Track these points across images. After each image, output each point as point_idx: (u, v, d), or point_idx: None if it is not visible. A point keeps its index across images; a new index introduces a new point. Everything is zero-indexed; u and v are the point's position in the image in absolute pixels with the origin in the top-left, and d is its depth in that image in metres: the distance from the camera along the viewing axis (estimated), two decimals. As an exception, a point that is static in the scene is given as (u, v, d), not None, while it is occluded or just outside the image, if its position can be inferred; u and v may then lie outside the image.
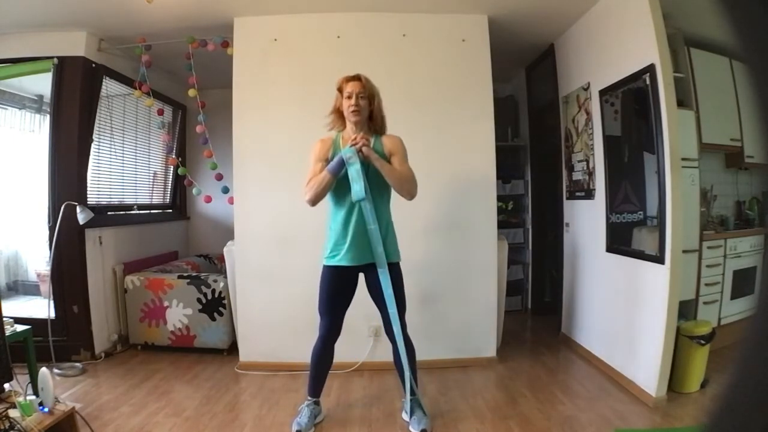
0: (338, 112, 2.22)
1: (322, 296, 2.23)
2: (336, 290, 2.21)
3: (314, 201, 2.14)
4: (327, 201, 2.21)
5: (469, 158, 3.11)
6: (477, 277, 3.11)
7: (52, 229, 3.09)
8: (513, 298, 4.36)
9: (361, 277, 2.25)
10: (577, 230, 3.46)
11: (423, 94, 3.09)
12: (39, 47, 3.13)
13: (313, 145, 2.24)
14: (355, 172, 2.05)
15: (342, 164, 2.06)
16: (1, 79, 3.30)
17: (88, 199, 3.30)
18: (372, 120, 2.20)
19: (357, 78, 2.14)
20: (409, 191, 2.18)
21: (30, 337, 2.47)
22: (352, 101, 2.11)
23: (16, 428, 1.80)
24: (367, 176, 2.08)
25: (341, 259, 2.15)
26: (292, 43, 3.10)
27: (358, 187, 2.04)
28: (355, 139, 2.08)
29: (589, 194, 3.21)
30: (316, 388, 2.32)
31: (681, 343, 2.51)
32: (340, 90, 2.18)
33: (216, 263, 4.36)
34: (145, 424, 2.31)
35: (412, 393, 2.25)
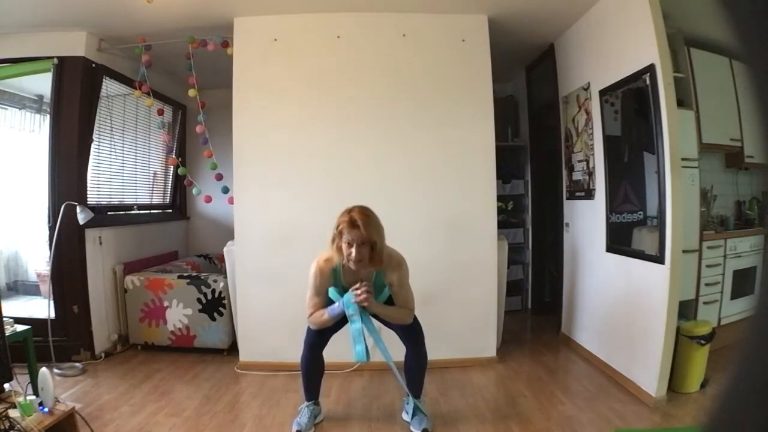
0: (338, 248, 2.07)
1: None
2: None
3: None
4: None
5: (469, 158, 3.11)
6: (477, 277, 3.11)
7: (52, 229, 3.09)
8: (513, 298, 4.36)
9: None
10: (577, 230, 3.46)
11: (423, 94, 3.09)
12: (39, 47, 3.13)
13: (312, 268, 2.16)
14: (356, 331, 2.09)
15: (343, 312, 2.11)
16: (1, 79, 3.31)
17: (88, 199, 3.30)
18: (372, 260, 2.08)
19: (356, 226, 2.01)
20: (404, 324, 2.23)
21: (30, 337, 2.47)
22: (353, 251, 2.01)
23: (16, 428, 1.80)
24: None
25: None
26: (292, 43, 3.10)
27: (360, 348, 2.10)
28: (357, 288, 2.06)
29: (589, 194, 3.21)
30: (312, 392, 2.33)
31: (681, 343, 2.51)
32: (340, 232, 2.05)
33: (216, 263, 4.36)
34: (145, 424, 2.31)
35: (416, 397, 2.28)
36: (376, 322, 2.22)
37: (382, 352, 2.19)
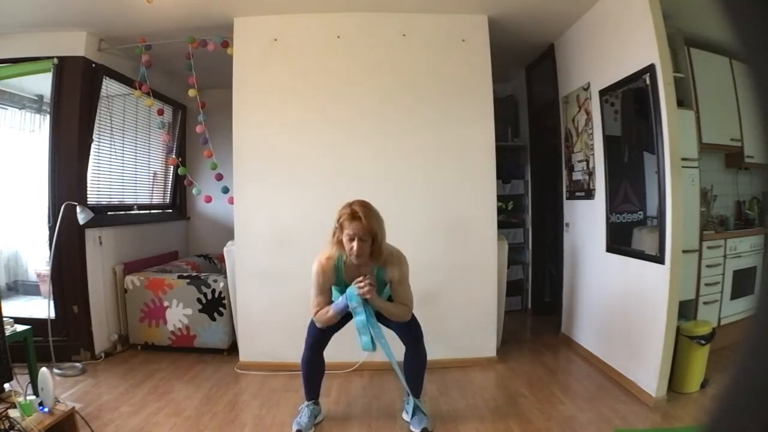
0: (340, 242, 2.10)
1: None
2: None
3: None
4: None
5: (469, 158, 3.11)
6: (477, 277, 3.11)
7: (52, 229, 3.09)
8: (513, 298, 4.36)
9: None
10: (577, 230, 3.46)
11: (423, 94, 3.09)
12: (39, 47, 3.13)
13: (314, 267, 2.17)
14: (360, 324, 2.12)
15: (347, 306, 2.12)
16: (1, 79, 3.31)
17: (88, 199, 3.30)
18: (373, 254, 2.11)
19: (358, 218, 2.02)
20: (403, 321, 2.24)
21: (30, 337, 2.47)
22: (355, 244, 2.03)
23: (16, 428, 1.80)
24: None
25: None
26: (292, 43, 3.10)
27: (366, 339, 2.12)
28: (360, 281, 2.07)
29: (589, 194, 3.21)
30: (313, 392, 2.33)
31: (681, 343, 2.51)
32: (340, 225, 2.07)
33: (216, 263, 4.36)
34: (145, 424, 2.31)
35: (416, 396, 2.28)
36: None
37: (384, 349, 2.19)
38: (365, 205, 2.08)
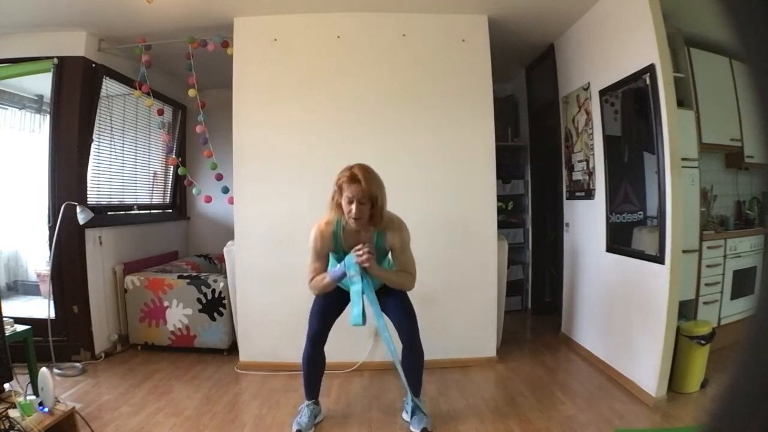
0: (338, 205, 2.06)
1: (316, 301, 2.28)
2: (330, 300, 2.26)
3: (319, 294, 2.23)
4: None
5: (469, 158, 3.11)
6: (477, 277, 3.11)
7: (52, 229, 3.09)
8: (513, 298, 4.36)
9: None
10: (577, 230, 3.46)
11: (423, 94, 3.09)
12: (39, 47, 3.13)
13: (312, 233, 2.13)
14: (355, 294, 2.07)
15: (344, 273, 2.09)
16: (1, 79, 3.30)
17: (88, 199, 3.30)
18: (373, 218, 2.07)
19: (357, 180, 1.99)
20: (407, 290, 2.22)
21: (30, 337, 2.47)
22: (353, 207, 1.98)
23: (16, 428, 1.80)
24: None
25: (343, 285, 2.22)
26: (292, 43, 3.10)
27: (356, 311, 2.07)
28: (359, 249, 2.04)
29: (589, 194, 3.21)
30: (313, 390, 2.32)
31: (681, 343, 2.51)
32: (339, 187, 2.04)
33: (216, 263, 4.36)
34: (145, 424, 2.31)
35: (416, 395, 2.27)
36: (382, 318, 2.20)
37: (385, 342, 2.16)
38: (365, 168, 2.05)
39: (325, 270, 2.15)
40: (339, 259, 2.14)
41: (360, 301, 2.06)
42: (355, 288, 2.07)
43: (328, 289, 2.15)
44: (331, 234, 2.11)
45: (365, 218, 2.03)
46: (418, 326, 2.27)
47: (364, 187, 1.97)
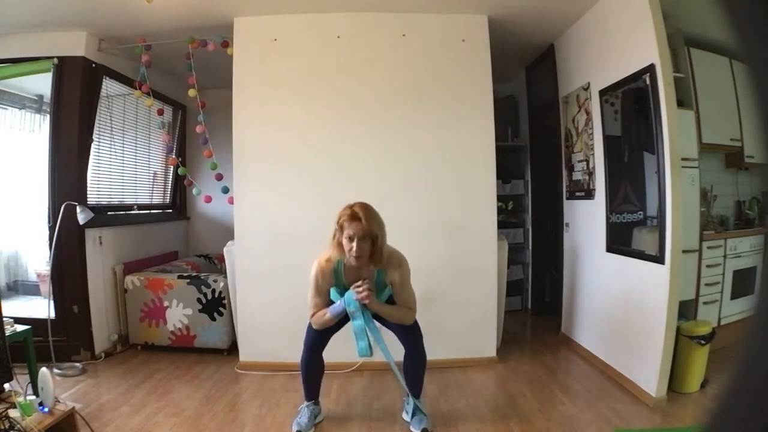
0: (339, 245, 2.09)
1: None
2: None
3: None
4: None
5: (469, 158, 3.11)
6: (477, 277, 3.11)
7: (52, 229, 3.09)
8: (513, 298, 4.36)
9: None
10: (577, 230, 3.46)
11: (423, 94, 3.09)
12: (39, 47, 3.13)
13: (312, 269, 2.16)
14: (358, 328, 2.10)
15: (345, 310, 2.11)
16: (1, 79, 3.30)
17: (88, 199, 3.30)
18: (373, 256, 2.09)
19: (358, 219, 2.01)
20: (406, 324, 2.23)
21: (30, 337, 2.47)
22: (354, 245, 2.01)
23: (16, 428, 1.80)
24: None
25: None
26: (292, 43, 3.10)
27: (363, 344, 2.10)
28: (359, 286, 2.06)
29: (589, 194, 3.21)
30: (312, 392, 2.33)
31: (681, 343, 2.51)
32: (340, 226, 2.06)
33: (216, 263, 4.36)
34: (145, 424, 2.31)
35: (416, 397, 2.27)
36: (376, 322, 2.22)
37: (383, 352, 2.20)
38: (366, 207, 2.08)
39: (325, 305, 2.17)
40: (340, 293, 2.17)
41: (364, 335, 2.10)
42: (358, 323, 2.11)
43: (329, 324, 2.18)
44: (331, 271, 2.15)
45: (366, 256, 2.06)
46: (421, 330, 2.27)
47: (364, 225, 2.00)
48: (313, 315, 2.18)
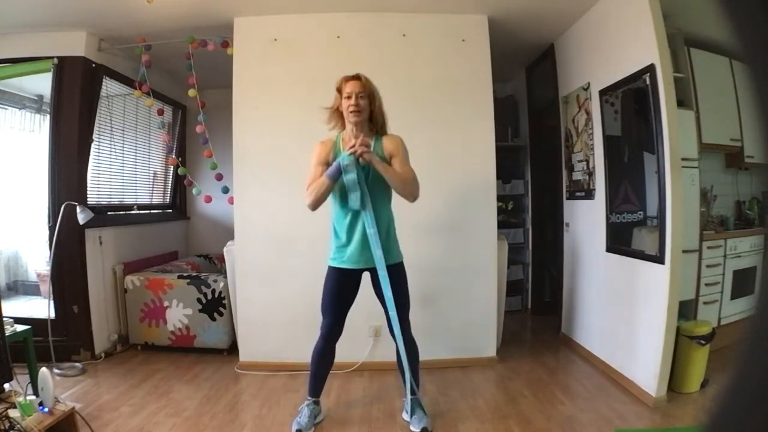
0: (338, 113, 2.18)
1: (326, 295, 2.25)
2: (339, 290, 2.23)
3: (314, 206, 2.14)
4: (330, 202, 2.21)
5: (469, 158, 3.11)
6: (477, 277, 3.11)
7: (52, 229, 3.09)
8: (513, 298, 4.36)
9: (366, 276, 2.25)
10: (577, 230, 3.46)
11: (423, 94, 3.09)
12: (39, 47, 3.13)
13: (313, 147, 2.22)
14: (351, 181, 2.04)
15: (340, 170, 2.05)
16: (1, 79, 3.30)
17: (88, 199, 3.30)
18: (372, 120, 2.16)
19: (357, 77, 2.11)
20: (412, 193, 2.17)
21: (30, 337, 2.47)
22: (352, 101, 2.07)
23: (16, 428, 1.80)
24: (367, 179, 2.09)
25: (344, 262, 2.18)
26: (292, 43, 3.10)
27: (354, 197, 2.05)
28: (354, 145, 2.04)
29: (589, 194, 3.21)
30: (316, 388, 2.31)
31: (681, 343, 2.51)
32: (339, 90, 2.14)
33: (216, 263, 4.36)
34: (145, 424, 2.31)
35: (413, 393, 2.26)
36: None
37: (370, 239, 2.09)
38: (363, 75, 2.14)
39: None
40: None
41: (356, 187, 2.03)
42: (351, 176, 2.03)
43: (325, 191, 2.08)
44: (331, 144, 2.19)
45: (365, 115, 2.10)
46: (410, 321, 2.25)
47: (363, 82, 2.09)
48: (309, 185, 2.12)
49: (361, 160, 2.04)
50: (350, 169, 2.03)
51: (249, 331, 3.13)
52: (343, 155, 2.06)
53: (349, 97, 2.08)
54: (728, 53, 3.04)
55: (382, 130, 2.21)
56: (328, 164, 2.15)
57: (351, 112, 2.08)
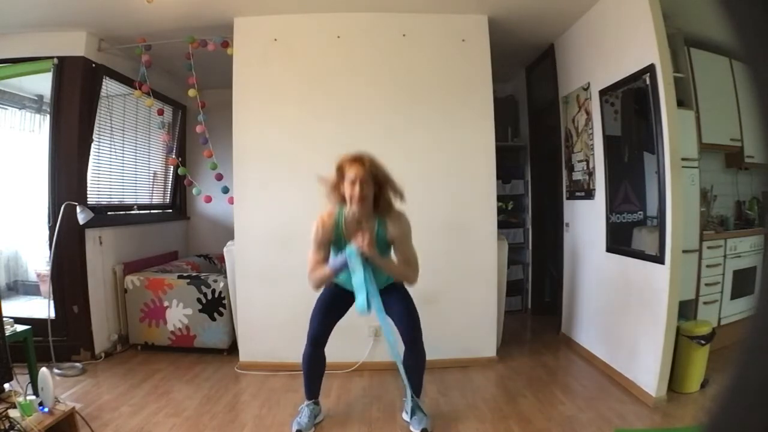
0: (338, 191, 2.05)
1: (319, 303, 2.27)
2: (332, 301, 2.26)
3: (317, 288, 2.18)
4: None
5: (469, 158, 3.11)
6: (477, 277, 3.11)
7: (52, 229, 3.09)
8: (513, 298, 4.36)
9: None
10: (577, 230, 3.46)
11: (423, 94, 3.09)
12: (39, 47, 3.13)
13: (314, 225, 2.12)
14: (359, 282, 2.02)
15: (345, 264, 2.05)
16: (1, 79, 3.30)
17: (88, 199, 3.30)
18: (378, 202, 2.07)
19: (360, 162, 1.98)
20: (408, 280, 2.19)
21: (30, 337, 2.47)
22: (356, 189, 1.96)
23: (16, 428, 1.80)
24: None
25: (344, 283, 2.20)
26: (292, 43, 3.10)
27: (361, 299, 2.02)
28: (359, 239, 1.99)
29: (589, 194, 3.21)
30: (312, 390, 2.32)
31: (681, 343, 2.51)
32: (340, 170, 2.03)
33: (216, 263, 4.36)
34: (145, 424, 2.31)
35: (416, 395, 2.27)
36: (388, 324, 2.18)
37: (385, 335, 2.12)
38: (369, 154, 2.03)
39: (325, 262, 2.12)
40: (338, 252, 2.12)
41: (363, 289, 2.02)
42: (358, 276, 2.02)
43: (327, 279, 2.10)
44: (333, 224, 2.10)
45: (369, 202, 2.01)
46: (421, 328, 2.26)
47: (367, 167, 1.97)
48: (312, 270, 2.11)
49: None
50: (357, 269, 2.01)
51: (249, 331, 3.13)
52: (350, 252, 2.00)
53: (352, 183, 1.97)
54: (728, 53, 3.04)
55: (385, 213, 2.11)
56: (329, 244, 2.13)
57: (354, 201, 1.99)
